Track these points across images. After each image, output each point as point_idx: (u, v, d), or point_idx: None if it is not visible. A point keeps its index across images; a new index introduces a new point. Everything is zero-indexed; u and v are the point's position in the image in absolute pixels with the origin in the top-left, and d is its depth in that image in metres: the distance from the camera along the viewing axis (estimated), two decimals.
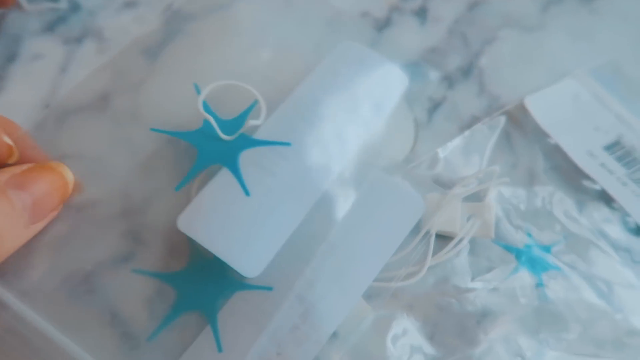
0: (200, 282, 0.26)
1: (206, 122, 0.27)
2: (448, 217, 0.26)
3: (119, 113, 0.29)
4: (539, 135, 0.30)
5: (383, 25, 0.35)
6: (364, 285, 0.25)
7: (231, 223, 0.25)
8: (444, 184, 0.28)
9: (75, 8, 0.33)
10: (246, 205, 0.25)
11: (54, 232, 0.25)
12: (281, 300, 0.25)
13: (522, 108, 0.31)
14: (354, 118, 0.28)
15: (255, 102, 0.28)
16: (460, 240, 0.26)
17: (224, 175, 0.26)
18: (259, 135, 0.27)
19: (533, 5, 0.36)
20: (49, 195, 0.23)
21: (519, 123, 0.30)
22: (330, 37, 0.33)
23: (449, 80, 0.33)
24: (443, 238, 0.27)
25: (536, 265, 0.28)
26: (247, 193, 0.25)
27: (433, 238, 0.26)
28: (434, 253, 0.26)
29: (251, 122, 0.26)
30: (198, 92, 0.27)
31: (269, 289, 0.25)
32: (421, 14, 0.35)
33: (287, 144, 0.27)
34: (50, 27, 0.33)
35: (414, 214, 0.27)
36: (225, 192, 0.25)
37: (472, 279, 0.26)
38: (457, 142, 0.30)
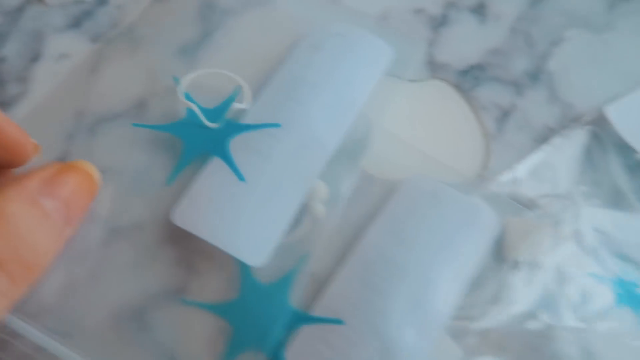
0: (257, 313, 0.23)
1: (190, 111, 0.26)
2: (532, 242, 0.24)
3: (156, 120, 0.26)
4: (624, 149, 0.27)
5: (439, 23, 0.32)
6: (444, 315, 0.23)
7: (229, 211, 0.23)
8: (523, 204, 0.25)
9: (101, 1, 0.30)
10: (242, 191, 0.24)
11: (96, 261, 0.22)
12: (354, 334, 0.22)
13: (601, 118, 0.28)
14: (340, 92, 0.26)
15: (239, 87, 0.26)
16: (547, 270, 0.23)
17: (216, 164, 0.25)
18: (246, 120, 0.26)
19: (598, 2, 0.34)
20: (80, 197, 0.22)
21: (599, 135, 0.27)
22: (381, 36, 0.30)
23: (515, 86, 0.30)
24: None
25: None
26: (241, 178, 0.24)
27: (522, 267, 0.23)
28: (518, 284, 0.23)
29: (236, 106, 0.25)
30: (177, 83, 0.26)
31: (340, 322, 0.22)
32: (479, 10, 0.32)
33: (277, 125, 0.25)
34: (76, 23, 0.30)
35: (490, 232, 0.24)
36: (218, 180, 0.24)
37: (567, 315, 0.23)
38: (534, 156, 0.27)
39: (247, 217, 0.24)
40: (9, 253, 0.18)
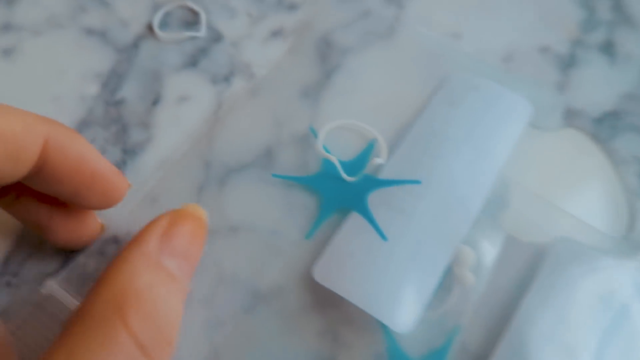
0: None
1: (326, 163, 0.25)
2: None
3: (286, 170, 0.25)
4: None
5: (567, 64, 0.30)
6: None
7: (372, 271, 0.22)
8: None
9: (216, 38, 0.29)
10: (385, 251, 0.23)
11: (237, 329, 0.21)
12: None
13: None
14: (480, 150, 0.25)
15: (374, 141, 0.26)
16: None
17: (355, 220, 0.24)
18: (383, 174, 0.25)
19: None
20: (196, 246, 0.19)
21: None
22: (506, 77, 0.28)
23: None
24: None
25: None
26: (384, 238, 0.23)
27: None
28: None
29: (376, 161, 0.24)
30: (314, 134, 0.26)
31: None
32: (608, 50, 0.30)
33: (417, 182, 0.24)
34: (192, 62, 0.28)
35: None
36: (360, 238, 0.23)
37: None
38: None
39: (391, 279, 0.22)
40: (152, 334, 0.16)
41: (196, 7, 0.29)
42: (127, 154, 0.25)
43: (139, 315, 0.15)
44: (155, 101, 0.27)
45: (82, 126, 0.26)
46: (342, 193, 0.25)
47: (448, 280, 0.23)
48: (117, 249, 0.23)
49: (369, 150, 0.26)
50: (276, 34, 0.29)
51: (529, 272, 0.24)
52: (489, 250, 0.24)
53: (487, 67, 0.29)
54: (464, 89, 0.27)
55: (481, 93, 0.27)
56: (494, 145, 0.26)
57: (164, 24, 0.29)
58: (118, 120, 0.26)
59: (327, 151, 0.25)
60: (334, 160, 0.24)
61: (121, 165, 0.25)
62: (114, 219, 0.24)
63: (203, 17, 0.29)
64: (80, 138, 0.19)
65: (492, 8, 0.31)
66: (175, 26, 0.29)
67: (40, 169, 0.18)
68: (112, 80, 0.27)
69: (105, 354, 0.15)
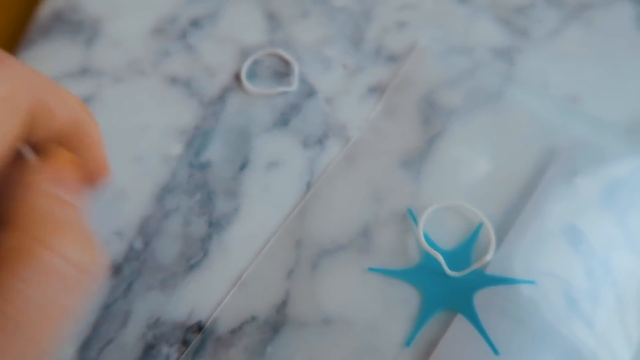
0: None
1: (427, 254, 0.23)
2: None
3: (384, 255, 0.22)
4: None
5: None
6: None
7: None
8: None
9: (309, 93, 0.26)
10: None
11: None
12: None
13: None
14: (612, 237, 0.22)
15: (480, 225, 0.23)
16: None
17: (461, 325, 0.21)
18: (492, 270, 0.22)
19: None
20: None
21: None
22: (633, 149, 0.25)
23: None
24: None
25: None
26: (495, 352, 0.20)
27: None
28: None
29: (486, 259, 0.22)
30: (414, 220, 0.23)
31: None
32: None
33: (532, 282, 0.21)
34: (284, 120, 0.26)
35: None
36: (467, 349, 0.21)
37: None
38: None
39: None
40: (76, 248, 0.16)
41: (288, 57, 0.27)
42: (213, 227, 0.23)
43: (57, 236, 0.15)
44: (243, 165, 0.25)
45: (165, 192, 0.24)
46: (445, 290, 0.22)
47: None
48: (199, 337, 0.21)
49: (474, 237, 0.23)
50: (374, 89, 0.27)
51: None
52: None
53: (611, 136, 0.25)
54: (587, 162, 0.24)
55: (608, 167, 0.24)
56: (626, 235, 0.22)
57: (252, 74, 0.27)
58: (203, 187, 0.24)
59: (428, 239, 0.23)
60: (437, 255, 0.22)
61: (207, 240, 0.23)
62: (199, 305, 0.22)
63: (296, 68, 0.27)
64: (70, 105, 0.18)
65: (616, 67, 0.27)
66: (264, 77, 0.27)
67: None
68: (197, 139, 0.25)
69: (40, 278, 0.15)
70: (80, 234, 0.16)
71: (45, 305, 0.15)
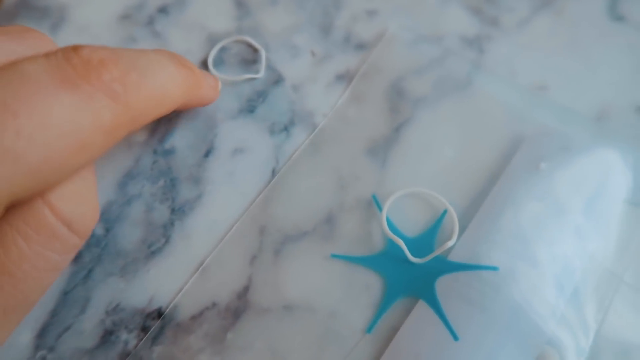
0: None
1: (390, 241, 0.23)
2: None
3: (349, 242, 0.22)
4: None
5: None
6: None
7: None
8: None
9: (276, 80, 0.26)
10: (456, 353, 0.20)
11: None
12: None
13: None
14: (571, 226, 0.22)
15: (444, 212, 0.23)
16: None
17: (422, 311, 0.21)
18: (455, 256, 0.22)
19: None
20: None
21: None
22: (602, 139, 0.25)
23: None
24: None
25: None
26: (455, 337, 0.20)
27: None
28: None
29: (448, 244, 0.21)
30: (379, 207, 0.23)
31: None
32: None
33: (494, 268, 0.21)
34: (250, 108, 0.26)
35: None
36: (427, 335, 0.21)
37: None
38: None
39: None
40: (73, 208, 0.16)
41: (256, 44, 0.27)
42: (176, 214, 0.23)
43: (57, 193, 0.15)
44: (208, 152, 0.24)
45: (128, 179, 0.24)
46: (408, 277, 0.22)
47: None
48: (159, 323, 0.21)
49: (438, 224, 0.23)
50: (342, 77, 0.26)
51: None
52: (577, 354, 0.21)
53: (578, 124, 0.25)
54: (551, 150, 0.24)
55: (573, 155, 0.24)
56: (587, 224, 0.22)
57: (219, 61, 0.26)
58: (167, 173, 0.24)
59: (392, 226, 0.23)
60: (399, 242, 0.22)
61: (169, 226, 0.23)
62: (159, 291, 0.22)
63: (263, 55, 0.26)
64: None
65: (585, 56, 0.27)
66: (232, 64, 0.26)
67: None
68: (161, 126, 0.25)
69: (30, 231, 0.15)
70: (78, 189, 0.16)
71: (33, 257, 0.15)
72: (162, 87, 0.17)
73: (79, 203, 0.16)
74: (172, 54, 0.19)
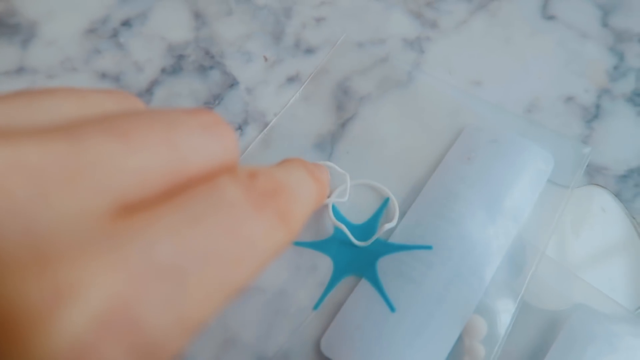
0: None
1: (337, 228, 0.25)
2: None
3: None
4: None
5: (592, 115, 0.29)
6: None
7: (379, 345, 0.22)
8: None
9: (231, 84, 0.28)
10: (393, 323, 0.22)
11: None
12: None
13: None
14: (497, 209, 0.24)
15: (387, 200, 0.25)
16: None
17: (365, 288, 0.23)
18: (395, 237, 0.24)
19: None
20: None
21: None
22: (529, 129, 0.27)
23: None
24: None
25: None
26: (392, 309, 0.23)
27: None
28: None
29: (387, 226, 0.24)
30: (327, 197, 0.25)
31: None
32: (636, 100, 0.29)
33: (429, 247, 0.24)
34: (205, 106, 0.28)
35: None
36: (367, 308, 0.23)
37: None
38: None
39: (398, 353, 0.22)
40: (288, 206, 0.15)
41: (212, 50, 0.29)
42: None
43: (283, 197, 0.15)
44: None
45: None
46: (353, 258, 0.24)
47: (458, 352, 0.22)
48: None
49: (381, 210, 0.25)
50: (292, 79, 0.29)
51: (543, 340, 0.23)
52: (502, 320, 0.23)
53: (509, 117, 0.28)
54: (481, 142, 0.26)
55: (500, 146, 0.26)
56: (512, 206, 0.25)
57: (178, 69, 0.29)
58: None
59: (338, 213, 0.25)
60: (343, 227, 0.24)
61: None
62: None
63: (218, 61, 0.29)
64: None
65: (516, 54, 0.29)
66: (190, 70, 0.29)
67: None
68: None
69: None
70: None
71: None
72: (307, 207, 0.17)
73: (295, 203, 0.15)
74: (306, 165, 0.19)
